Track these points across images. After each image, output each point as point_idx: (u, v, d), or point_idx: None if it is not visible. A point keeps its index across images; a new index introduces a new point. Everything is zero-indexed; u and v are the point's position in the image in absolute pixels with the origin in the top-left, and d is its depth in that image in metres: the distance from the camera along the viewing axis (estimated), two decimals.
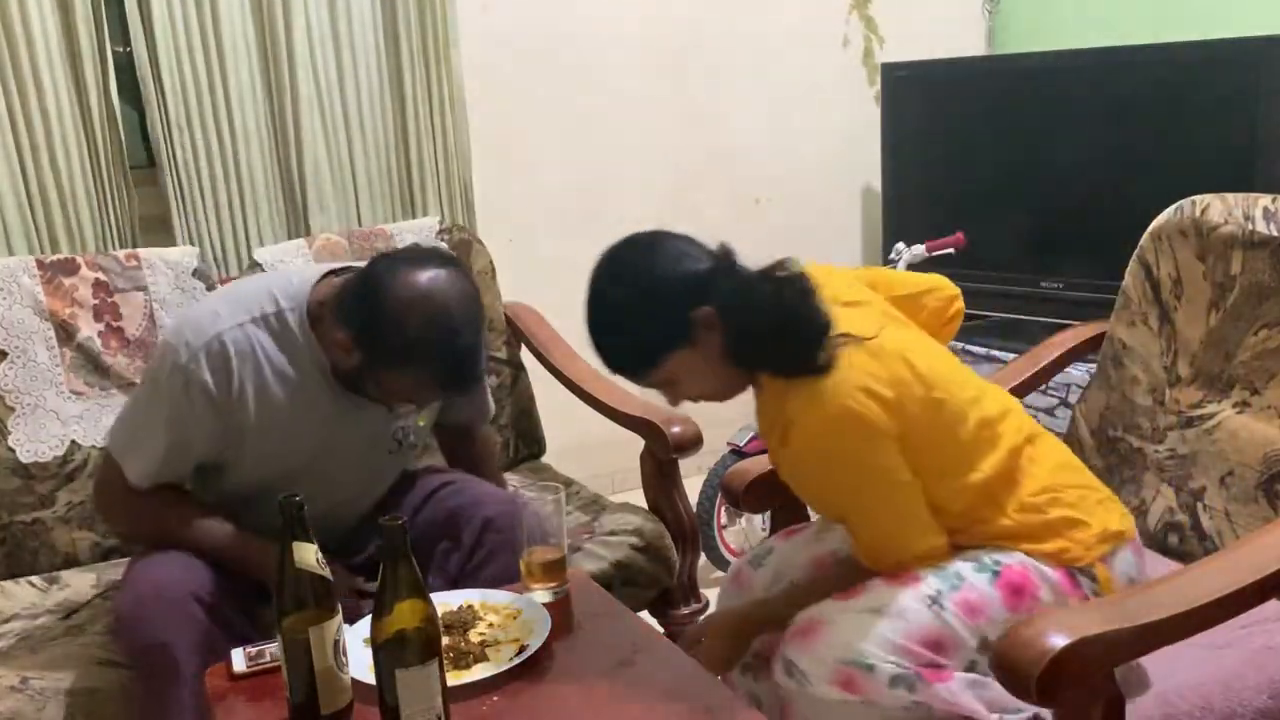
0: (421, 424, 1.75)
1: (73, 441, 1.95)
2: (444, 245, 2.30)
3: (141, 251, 2.08)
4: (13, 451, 1.90)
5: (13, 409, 1.91)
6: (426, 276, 1.48)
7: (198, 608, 1.49)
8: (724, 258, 1.42)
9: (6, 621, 1.74)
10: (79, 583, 1.86)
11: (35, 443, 1.91)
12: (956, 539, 1.42)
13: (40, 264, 1.98)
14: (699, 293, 1.38)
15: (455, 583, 1.63)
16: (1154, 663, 1.18)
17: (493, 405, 1.99)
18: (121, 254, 2.06)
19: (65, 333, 1.96)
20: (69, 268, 2.00)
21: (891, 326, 1.45)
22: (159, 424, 1.55)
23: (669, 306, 1.39)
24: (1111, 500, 1.50)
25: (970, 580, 1.37)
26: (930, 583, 1.36)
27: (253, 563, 1.55)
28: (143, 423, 1.57)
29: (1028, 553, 1.40)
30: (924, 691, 1.31)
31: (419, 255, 1.54)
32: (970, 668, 1.35)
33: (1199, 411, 1.73)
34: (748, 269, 1.42)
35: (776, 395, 1.40)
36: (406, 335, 1.46)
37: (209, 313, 1.57)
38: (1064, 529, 1.41)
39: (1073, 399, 2.38)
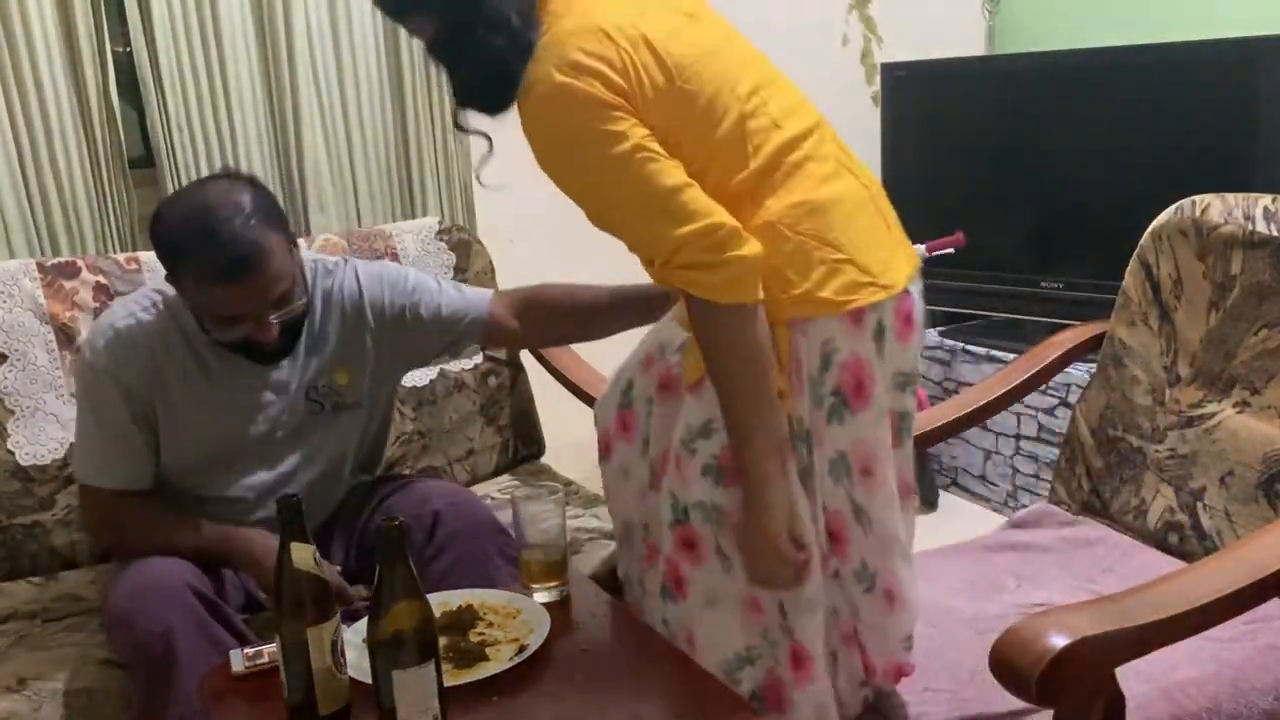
0: (343, 382, 1.74)
1: (72, 444, 1.94)
2: (444, 239, 2.31)
3: (142, 255, 2.08)
4: (12, 454, 1.89)
5: (12, 412, 1.91)
6: (190, 189, 1.61)
7: (194, 599, 1.49)
8: None
9: (4, 621, 1.74)
10: (77, 584, 1.85)
11: (35, 445, 1.91)
12: None
13: (41, 267, 1.98)
14: None
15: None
16: (1157, 655, 1.18)
17: (474, 291, 1.86)
18: (122, 257, 2.06)
19: (65, 336, 1.95)
20: (69, 271, 1.99)
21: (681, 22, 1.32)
22: (93, 425, 1.64)
23: None
24: (848, 264, 1.29)
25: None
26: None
27: (237, 553, 1.59)
28: (84, 433, 1.66)
29: None
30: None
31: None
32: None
33: (1199, 411, 1.73)
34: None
35: None
36: (174, 240, 1.53)
37: (104, 316, 1.68)
38: (767, 283, 1.25)
39: (1073, 399, 2.39)
